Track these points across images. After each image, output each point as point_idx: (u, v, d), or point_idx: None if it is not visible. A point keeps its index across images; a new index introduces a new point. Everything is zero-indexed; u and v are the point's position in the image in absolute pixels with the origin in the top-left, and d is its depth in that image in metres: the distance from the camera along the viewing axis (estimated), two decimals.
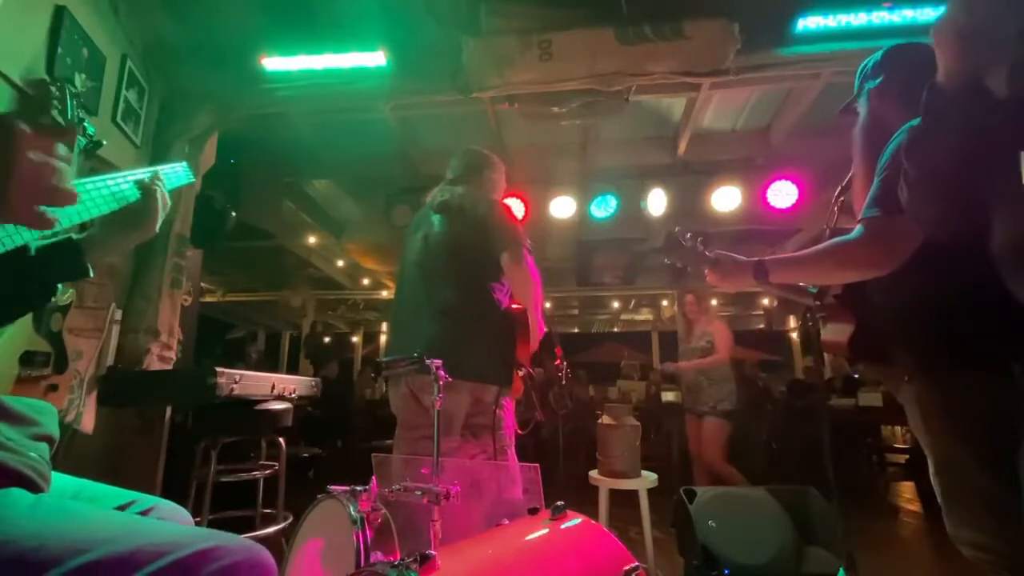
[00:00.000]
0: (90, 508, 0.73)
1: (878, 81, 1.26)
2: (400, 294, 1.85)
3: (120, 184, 0.88)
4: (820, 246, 1.13)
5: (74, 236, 0.89)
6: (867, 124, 1.27)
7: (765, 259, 1.24)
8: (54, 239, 0.87)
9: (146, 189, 0.89)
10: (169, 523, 0.80)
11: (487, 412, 1.66)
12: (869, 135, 1.23)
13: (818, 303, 1.34)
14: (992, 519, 0.92)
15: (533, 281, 1.70)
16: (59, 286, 0.87)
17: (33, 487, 0.67)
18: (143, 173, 0.91)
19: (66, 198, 0.65)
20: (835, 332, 1.29)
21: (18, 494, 0.64)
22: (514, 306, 1.77)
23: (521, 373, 1.75)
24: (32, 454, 0.69)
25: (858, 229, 1.06)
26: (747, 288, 1.32)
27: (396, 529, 1.08)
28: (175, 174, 1.01)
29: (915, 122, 0.99)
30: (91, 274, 0.88)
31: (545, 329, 1.79)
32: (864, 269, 1.07)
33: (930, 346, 1.04)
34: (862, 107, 1.31)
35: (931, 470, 1.06)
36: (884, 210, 1.01)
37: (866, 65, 1.32)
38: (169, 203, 0.95)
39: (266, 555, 0.69)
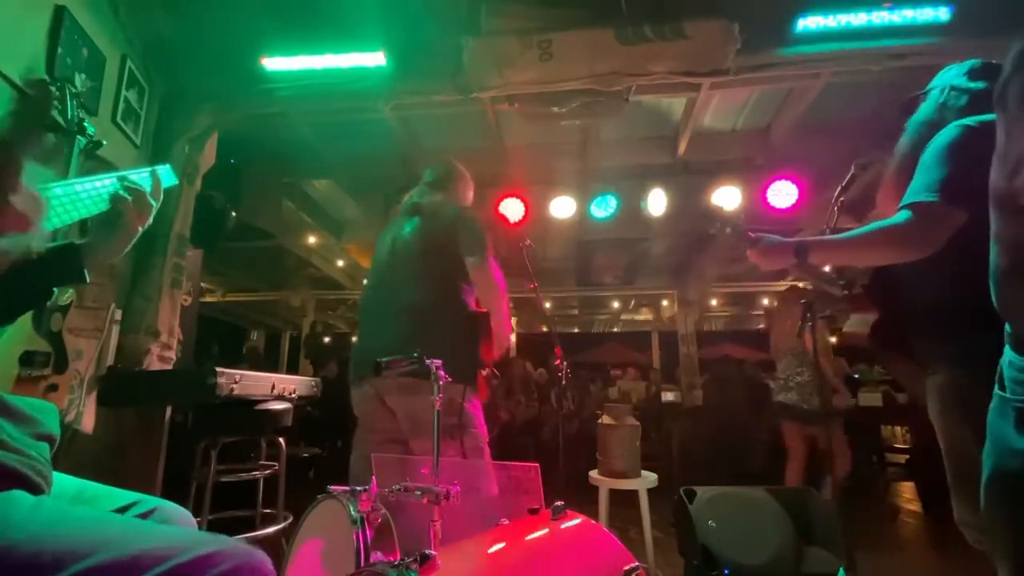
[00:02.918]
0: (91, 512, 0.73)
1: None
2: (370, 293, 1.90)
3: (106, 186, 0.88)
4: (866, 228, 1.17)
5: (76, 241, 0.90)
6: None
7: (808, 239, 1.29)
8: (55, 243, 0.87)
9: (113, 196, 0.89)
10: (170, 527, 0.80)
11: (457, 411, 1.65)
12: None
13: (846, 293, 1.37)
14: None
15: (497, 285, 1.76)
16: (55, 289, 0.87)
17: (34, 488, 0.67)
18: (115, 177, 0.91)
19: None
20: (857, 324, 1.31)
21: (19, 497, 0.64)
22: (479, 309, 1.81)
23: (485, 373, 1.75)
24: (33, 454, 0.69)
25: (907, 213, 1.09)
26: (785, 267, 1.34)
27: (396, 529, 1.09)
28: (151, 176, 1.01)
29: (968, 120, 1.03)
30: (87, 280, 0.90)
31: (512, 331, 1.80)
32: (910, 252, 1.11)
33: (961, 338, 1.06)
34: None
35: (945, 456, 1.07)
36: (945, 197, 1.05)
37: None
38: (155, 204, 0.95)
39: (266, 560, 0.69)
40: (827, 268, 1.45)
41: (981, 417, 0.97)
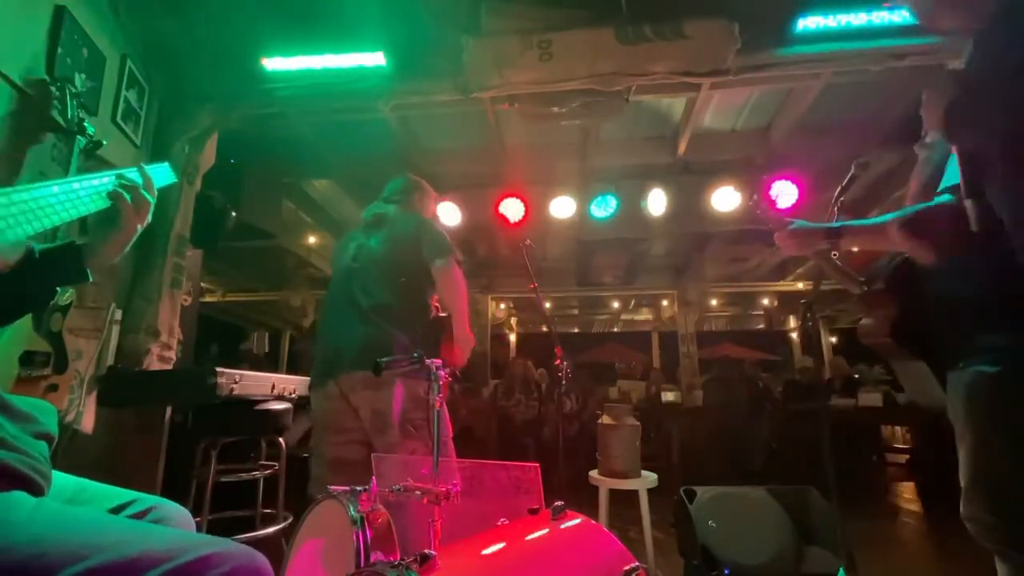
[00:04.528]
0: (90, 513, 0.73)
1: None
2: (333, 298, 1.94)
3: (104, 184, 0.89)
4: (907, 210, 1.15)
5: (77, 241, 0.90)
6: None
7: (842, 223, 1.28)
8: (56, 242, 0.88)
9: (112, 193, 0.90)
10: (169, 528, 0.81)
11: (423, 407, 1.68)
12: None
13: (865, 289, 1.36)
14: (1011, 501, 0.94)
15: (461, 287, 1.82)
16: (57, 289, 0.88)
17: (35, 488, 0.67)
18: (111, 174, 0.91)
19: None
20: (874, 321, 1.30)
21: (19, 498, 0.64)
22: (441, 314, 1.90)
23: (447, 371, 1.78)
24: (33, 452, 0.70)
25: (950, 196, 1.07)
26: (813, 250, 1.33)
27: (396, 529, 1.08)
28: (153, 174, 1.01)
29: None
30: (90, 279, 0.90)
31: (474, 341, 1.85)
32: None
33: (997, 331, 1.04)
34: None
35: (967, 455, 1.06)
36: None
37: None
38: (151, 200, 0.96)
39: (264, 561, 0.69)
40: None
41: (1012, 415, 0.97)
